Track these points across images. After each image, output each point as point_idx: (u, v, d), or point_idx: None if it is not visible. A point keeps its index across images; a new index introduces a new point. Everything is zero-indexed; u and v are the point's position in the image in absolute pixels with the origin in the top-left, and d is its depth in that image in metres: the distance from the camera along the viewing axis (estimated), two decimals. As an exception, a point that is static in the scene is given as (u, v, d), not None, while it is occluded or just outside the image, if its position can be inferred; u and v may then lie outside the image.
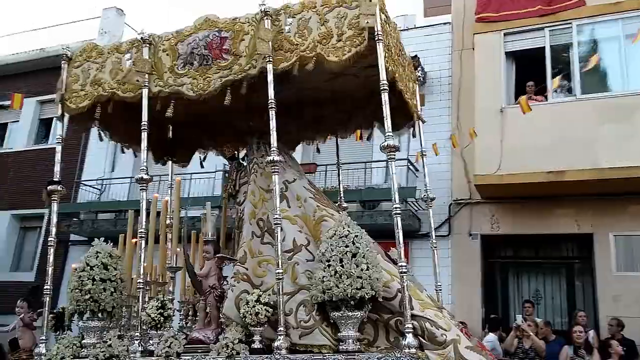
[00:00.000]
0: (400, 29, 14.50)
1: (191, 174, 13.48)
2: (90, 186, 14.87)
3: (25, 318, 5.98)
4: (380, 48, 4.25)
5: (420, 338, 4.01)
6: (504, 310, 12.88)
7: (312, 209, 4.72)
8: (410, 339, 3.84)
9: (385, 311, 4.21)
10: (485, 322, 11.87)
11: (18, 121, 17.43)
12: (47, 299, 4.65)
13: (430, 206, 5.74)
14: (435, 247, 5.47)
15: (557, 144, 10.88)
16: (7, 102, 13.51)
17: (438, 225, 12.89)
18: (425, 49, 13.71)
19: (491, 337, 9.77)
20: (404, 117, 5.48)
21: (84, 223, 14.87)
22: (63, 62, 5.08)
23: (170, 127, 5.53)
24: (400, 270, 3.97)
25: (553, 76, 12.02)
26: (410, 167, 13.17)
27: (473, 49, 12.82)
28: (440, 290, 5.39)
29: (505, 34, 12.49)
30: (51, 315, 4.81)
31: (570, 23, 11.84)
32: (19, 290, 12.87)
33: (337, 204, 5.74)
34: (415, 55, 13.16)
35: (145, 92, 4.71)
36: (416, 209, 13.17)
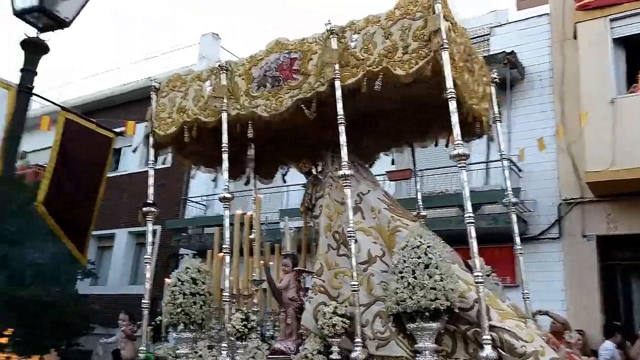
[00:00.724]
0: (492, 25, 14.21)
1: (288, 185, 14.07)
2: (196, 202, 15.91)
3: (127, 330, 6.62)
4: (445, 57, 4.29)
5: (500, 350, 3.98)
6: (627, 317, 12.09)
7: (387, 219, 4.82)
8: (488, 350, 3.83)
9: (463, 322, 4.21)
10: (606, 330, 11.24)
11: (130, 145, 19.06)
12: (146, 312, 5.15)
13: (513, 211, 5.63)
14: (520, 253, 5.37)
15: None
16: (121, 129, 14.82)
17: (547, 227, 12.41)
18: (521, 43, 13.29)
19: (608, 345, 9.23)
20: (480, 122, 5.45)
21: (192, 237, 15.93)
22: (152, 92, 5.61)
23: (252, 146, 5.89)
24: (476, 280, 3.98)
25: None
26: (513, 166, 12.76)
27: (575, 38, 12.24)
28: (528, 298, 5.27)
29: (611, 20, 11.79)
30: (150, 327, 5.31)
31: (685, 2, 10.99)
32: (137, 302, 14.01)
33: (415, 213, 5.79)
34: (512, 52, 12.83)
35: (224, 115, 5.09)
36: (521, 211, 12.72)
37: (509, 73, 12.75)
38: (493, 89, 5.66)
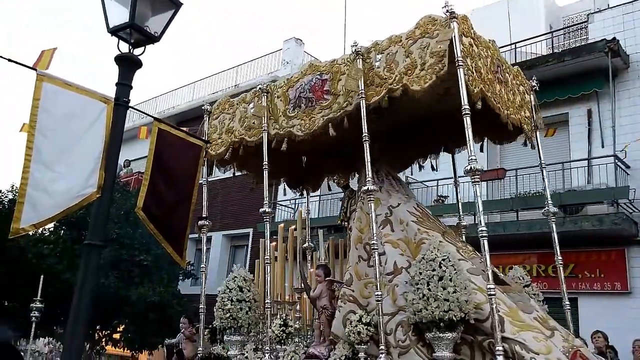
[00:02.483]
0: (591, 11, 13.65)
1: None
2: (285, 205, 16.81)
3: (186, 332, 7.47)
4: (460, 73, 4.59)
5: (512, 361, 4.24)
6: None
7: (414, 232, 5.19)
8: (500, 361, 4.12)
9: (480, 332, 4.50)
10: None
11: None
12: (202, 316, 5.91)
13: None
14: None
15: None
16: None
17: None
18: (624, 29, 12.69)
19: None
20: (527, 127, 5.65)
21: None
22: (205, 115, 6.37)
23: (305, 159, 6.49)
24: (489, 293, 4.26)
25: None
26: (619, 164, 12.26)
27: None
28: (569, 309, 5.39)
29: None
30: (207, 329, 6.07)
31: None
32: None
33: (456, 223, 6.06)
34: (614, 39, 12.30)
35: (265, 135, 5.71)
36: (631, 211, 12.16)
37: (610, 62, 12.27)
38: (533, 97, 5.78)
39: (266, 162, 5.68)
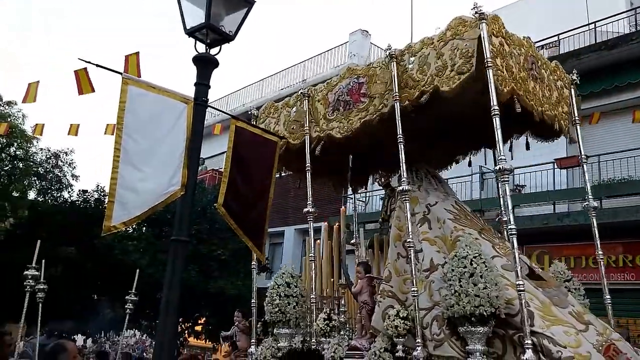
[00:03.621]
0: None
1: (448, 179, 14.64)
2: (356, 199, 17.26)
3: (240, 325, 8.02)
4: (490, 73, 4.82)
5: (541, 354, 4.49)
6: None
7: (450, 229, 5.47)
8: (529, 354, 4.37)
9: (511, 327, 4.75)
10: None
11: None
12: (254, 310, 6.43)
13: None
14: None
15: None
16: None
17: None
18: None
19: None
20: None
21: (353, 233, 17.28)
22: (252, 120, 6.85)
23: (351, 158, 6.84)
24: (518, 289, 4.52)
25: None
26: None
27: None
28: (610, 303, 5.54)
29: None
30: (259, 323, 6.59)
31: None
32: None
33: (497, 218, 6.25)
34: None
35: (307, 138, 6.13)
36: None
37: None
38: (573, 91, 5.90)
39: (309, 164, 6.09)
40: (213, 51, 4.68)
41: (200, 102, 4.58)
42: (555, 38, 15.34)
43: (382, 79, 5.59)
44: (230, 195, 5.56)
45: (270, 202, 6.04)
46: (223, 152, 6.35)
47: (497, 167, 4.79)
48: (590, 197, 5.98)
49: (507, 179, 4.77)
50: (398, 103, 5.38)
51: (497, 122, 4.79)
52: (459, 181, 14.60)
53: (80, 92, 7.68)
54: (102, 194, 18.65)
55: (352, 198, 18.01)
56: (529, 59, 5.40)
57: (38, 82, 9.09)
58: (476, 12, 4.95)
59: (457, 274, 4.76)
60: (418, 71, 5.36)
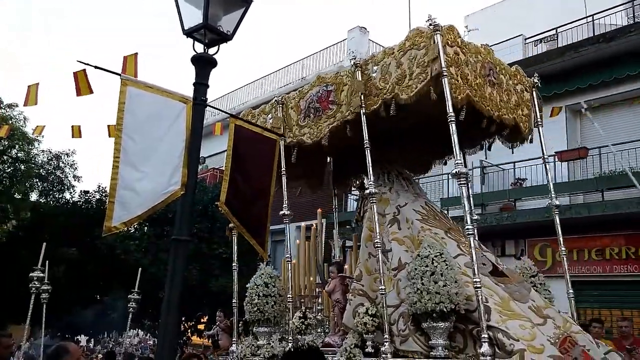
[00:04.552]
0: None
1: (447, 174, 14.98)
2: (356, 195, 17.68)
3: (222, 324, 8.46)
4: (444, 82, 5.18)
5: (496, 347, 4.87)
6: None
7: (417, 230, 5.85)
8: (485, 348, 4.73)
9: (471, 322, 5.13)
10: None
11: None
12: (235, 310, 6.84)
13: None
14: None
15: None
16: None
17: None
18: None
19: None
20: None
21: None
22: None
23: (331, 161, 7.24)
24: (475, 286, 4.90)
25: None
26: None
27: None
28: (573, 297, 5.90)
29: None
30: (240, 322, 7.00)
31: None
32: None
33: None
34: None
35: (281, 143, 6.49)
36: None
37: None
38: (535, 94, 6.26)
39: (283, 169, 6.47)
40: (211, 51, 4.78)
41: (199, 102, 4.67)
42: (554, 32, 15.61)
43: (349, 88, 5.96)
44: (232, 193, 5.64)
45: (271, 199, 6.12)
46: (223, 151, 6.42)
47: (454, 171, 5.14)
48: (553, 195, 6.33)
49: (464, 182, 5.13)
50: (363, 110, 5.75)
51: (452, 127, 5.12)
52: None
53: (79, 93, 7.94)
54: (103, 194, 19.09)
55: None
56: (487, 66, 5.74)
57: (37, 84, 9.27)
58: (431, 24, 5.30)
59: (419, 273, 5.13)
60: (381, 80, 5.72)
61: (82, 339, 22.16)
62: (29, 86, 9.22)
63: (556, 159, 13.28)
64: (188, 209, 4.50)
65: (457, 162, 5.13)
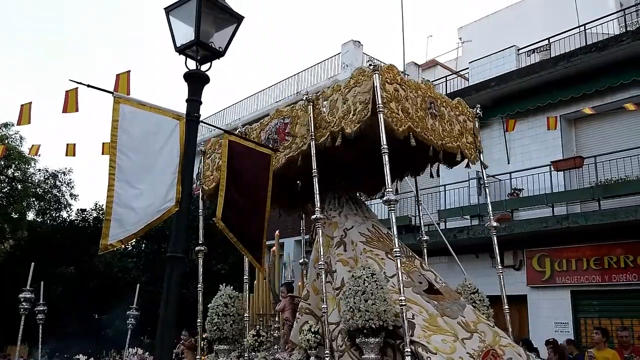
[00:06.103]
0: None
1: (444, 185, 15.80)
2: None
3: (186, 343, 9.08)
4: (380, 118, 5.90)
5: (417, 360, 5.48)
6: None
7: (360, 251, 6.54)
8: (407, 361, 5.39)
9: (399, 337, 5.77)
10: None
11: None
12: (199, 330, 7.52)
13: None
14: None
15: None
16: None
17: None
18: None
19: None
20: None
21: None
22: (200, 155, 8.01)
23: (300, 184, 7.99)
24: (400, 304, 5.53)
25: None
26: None
27: None
28: (508, 312, 6.52)
29: None
30: (203, 341, 7.66)
31: None
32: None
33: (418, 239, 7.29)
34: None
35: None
36: None
37: None
38: (476, 123, 6.97)
39: (245, 195, 7.20)
40: (204, 67, 4.99)
41: (192, 118, 4.85)
42: (546, 42, 16.19)
43: (303, 121, 6.72)
44: (228, 209, 5.84)
45: (267, 214, 6.38)
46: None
47: (384, 199, 5.83)
48: (491, 217, 6.98)
49: (393, 209, 5.81)
50: (314, 142, 6.49)
51: (385, 159, 5.82)
52: (458, 187, 15.62)
53: (65, 110, 8.60)
54: (100, 212, 19.71)
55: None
56: (427, 100, 6.47)
57: (30, 103, 9.79)
58: (370, 65, 6.07)
59: (352, 292, 5.79)
60: (329, 114, 6.47)
61: (82, 358, 22.74)
62: (21, 105, 9.76)
63: (552, 169, 13.76)
64: (183, 225, 4.72)
65: (387, 190, 5.82)
